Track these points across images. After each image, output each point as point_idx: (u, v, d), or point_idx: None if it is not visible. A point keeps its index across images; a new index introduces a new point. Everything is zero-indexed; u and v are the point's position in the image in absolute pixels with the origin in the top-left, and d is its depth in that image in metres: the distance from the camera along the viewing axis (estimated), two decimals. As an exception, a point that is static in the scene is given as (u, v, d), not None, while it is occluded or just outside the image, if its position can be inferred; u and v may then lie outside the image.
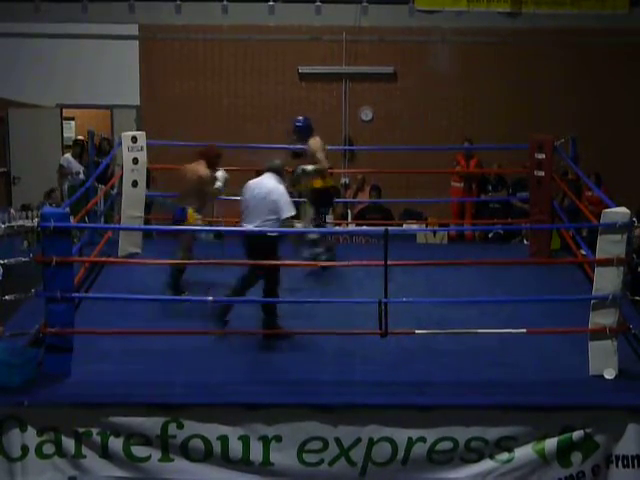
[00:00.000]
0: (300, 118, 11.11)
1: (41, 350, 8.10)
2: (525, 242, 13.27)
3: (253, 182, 9.17)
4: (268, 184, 9.00)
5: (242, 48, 17.94)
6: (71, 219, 8.55)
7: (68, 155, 16.18)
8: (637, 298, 8.49)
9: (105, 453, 7.64)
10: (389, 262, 8.22)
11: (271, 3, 17.81)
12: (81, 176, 15.55)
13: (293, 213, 8.93)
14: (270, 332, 8.91)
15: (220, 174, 9.93)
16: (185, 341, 8.74)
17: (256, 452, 7.63)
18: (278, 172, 9.08)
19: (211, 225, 12.17)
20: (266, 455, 7.64)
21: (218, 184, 9.89)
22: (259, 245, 8.87)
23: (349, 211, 15.92)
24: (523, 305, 9.45)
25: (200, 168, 9.86)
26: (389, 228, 8.66)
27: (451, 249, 13.39)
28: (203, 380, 8.10)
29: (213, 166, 9.95)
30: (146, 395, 7.77)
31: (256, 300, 9.22)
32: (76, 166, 15.91)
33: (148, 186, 12.63)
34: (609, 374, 8.04)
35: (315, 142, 11.02)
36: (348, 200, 15.92)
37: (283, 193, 8.94)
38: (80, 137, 16.68)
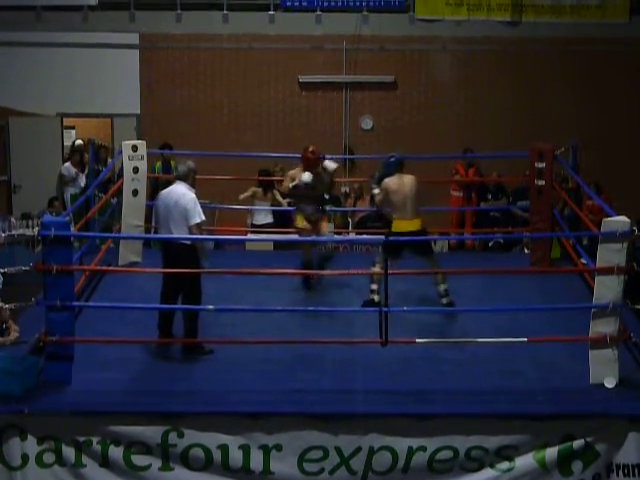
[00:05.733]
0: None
1: (41, 358, 8.10)
2: (526, 251, 13.26)
3: (164, 191, 9.11)
4: (177, 191, 8.94)
5: (242, 57, 17.93)
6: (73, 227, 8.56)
7: (68, 164, 16.19)
8: (637, 307, 8.48)
9: (105, 462, 7.64)
10: (389, 271, 8.22)
11: (271, 12, 17.81)
12: (81, 183, 15.56)
13: (202, 219, 8.86)
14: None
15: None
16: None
17: (256, 461, 7.64)
18: (186, 179, 9.02)
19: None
20: (266, 464, 7.64)
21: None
22: (178, 253, 8.78)
23: (349, 220, 15.91)
24: (524, 314, 9.46)
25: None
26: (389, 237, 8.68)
27: (451, 258, 13.37)
28: (203, 389, 8.11)
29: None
30: (146, 404, 7.77)
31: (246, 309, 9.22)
32: (77, 174, 15.94)
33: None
34: (610, 383, 8.04)
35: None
36: (348, 209, 15.92)
37: (192, 199, 8.83)
38: (79, 141, 16.66)
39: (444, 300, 9.85)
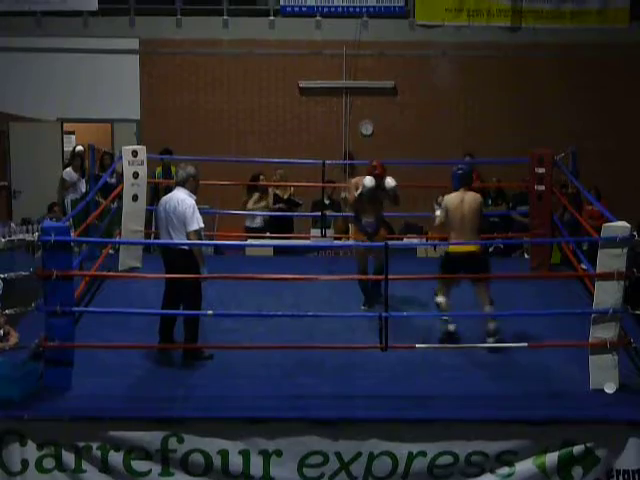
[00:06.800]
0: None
1: (41, 364, 8.10)
2: (526, 256, 13.26)
3: (165, 197, 9.14)
4: (177, 197, 8.96)
5: (242, 62, 17.96)
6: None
7: (69, 169, 16.18)
8: (637, 312, 8.48)
9: (105, 467, 7.63)
10: (390, 276, 8.22)
11: (271, 17, 17.85)
12: (82, 188, 15.55)
13: (200, 226, 8.85)
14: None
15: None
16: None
17: (256, 466, 7.62)
18: (185, 185, 9.04)
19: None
20: (266, 469, 7.63)
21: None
22: (177, 259, 8.82)
23: (350, 225, 15.90)
24: (524, 319, 9.45)
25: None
26: (389, 242, 8.67)
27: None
28: (203, 394, 8.10)
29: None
30: (146, 409, 7.77)
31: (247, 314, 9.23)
32: (78, 179, 15.94)
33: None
34: (610, 388, 8.04)
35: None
36: (349, 214, 15.89)
37: (190, 205, 8.85)
38: (79, 147, 16.67)
39: (491, 340, 9.11)
